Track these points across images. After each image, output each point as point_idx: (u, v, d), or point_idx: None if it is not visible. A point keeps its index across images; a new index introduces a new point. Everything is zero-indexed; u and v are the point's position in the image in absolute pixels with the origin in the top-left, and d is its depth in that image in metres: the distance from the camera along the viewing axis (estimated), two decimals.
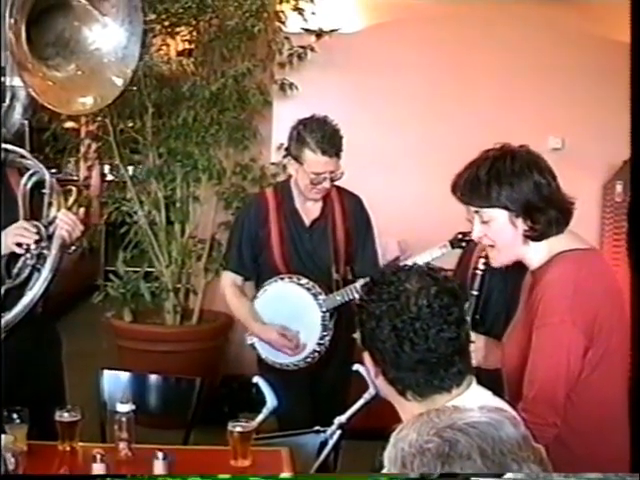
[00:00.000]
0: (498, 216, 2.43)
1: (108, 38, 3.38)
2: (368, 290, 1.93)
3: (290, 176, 3.76)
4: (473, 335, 2.97)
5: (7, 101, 3.26)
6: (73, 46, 3.35)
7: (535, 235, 2.44)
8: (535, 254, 2.48)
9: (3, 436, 2.63)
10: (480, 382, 2.01)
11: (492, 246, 2.52)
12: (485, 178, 2.41)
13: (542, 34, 5.70)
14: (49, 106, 3.42)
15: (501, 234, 2.46)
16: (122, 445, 2.88)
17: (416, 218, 5.63)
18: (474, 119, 5.68)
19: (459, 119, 5.77)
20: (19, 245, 3.15)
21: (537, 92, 5.74)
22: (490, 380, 2.65)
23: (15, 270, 3.21)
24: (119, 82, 3.48)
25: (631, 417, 2.28)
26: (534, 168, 2.43)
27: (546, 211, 2.41)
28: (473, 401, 1.69)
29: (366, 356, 1.95)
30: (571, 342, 2.35)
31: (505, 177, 2.40)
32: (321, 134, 3.52)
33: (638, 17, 2.30)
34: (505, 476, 1.33)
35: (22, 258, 3.19)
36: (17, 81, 3.21)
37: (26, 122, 3.29)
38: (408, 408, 1.85)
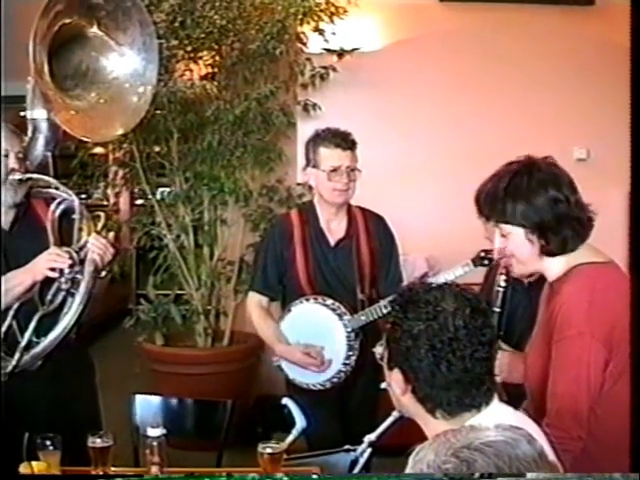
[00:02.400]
0: (516, 232, 2.45)
1: (126, 66, 3.45)
2: (403, 308, 1.93)
3: (314, 195, 3.81)
4: (498, 351, 3.00)
5: (30, 134, 3.32)
6: (92, 76, 3.42)
7: (550, 252, 2.46)
8: (553, 266, 2.50)
9: (35, 463, 2.67)
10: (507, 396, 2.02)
11: (511, 258, 2.54)
12: (502, 194, 2.43)
13: (566, 44, 5.70)
14: (75, 135, 3.48)
15: (519, 248, 2.49)
16: (154, 469, 2.88)
17: (443, 234, 5.64)
18: (498, 132, 5.70)
19: (483, 132, 5.78)
20: (53, 270, 3.20)
21: (561, 103, 5.73)
22: (516, 395, 2.67)
23: (49, 296, 3.27)
24: (140, 108, 3.54)
25: (631, 417, 2.27)
26: (552, 184, 2.44)
27: (560, 231, 2.44)
28: (495, 417, 1.70)
29: (393, 373, 1.96)
30: (590, 354, 2.36)
31: (521, 194, 2.41)
32: (333, 133, 3.64)
33: (638, 17, 2.30)
34: (527, 476, 1.35)
35: (56, 283, 3.25)
36: (38, 114, 3.28)
37: (49, 154, 3.34)
38: (434, 426, 1.86)
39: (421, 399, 1.91)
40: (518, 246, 2.48)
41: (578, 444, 2.33)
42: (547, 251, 2.46)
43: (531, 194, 2.41)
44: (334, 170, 3.60)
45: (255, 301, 3.83)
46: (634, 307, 2.29)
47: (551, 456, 1.44)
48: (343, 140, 3.62)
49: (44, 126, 3.32)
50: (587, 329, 2.35)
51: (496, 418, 1.63)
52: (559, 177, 2.47)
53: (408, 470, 1.43)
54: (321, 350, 3.67)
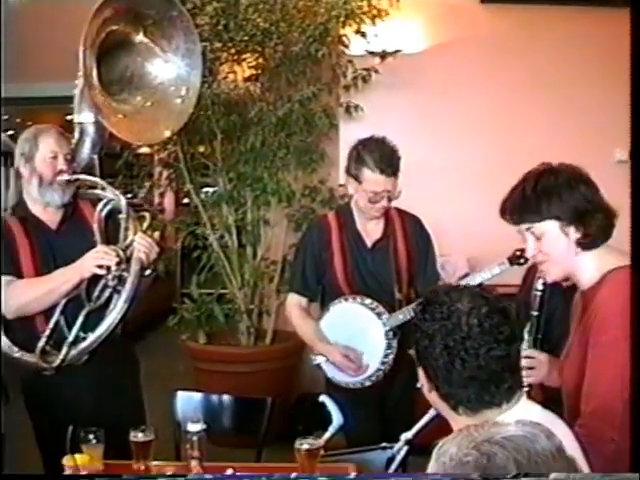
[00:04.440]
0: (550, 228, 2.46)
1: (170, 72, 3.54)
2: (421, 309, 2.00)
3: (351, 198, 3.83)
4: (535, 352, 3.03)
5: (77, 136, 3.42)
6: (137, 81, 3.51)
7: (587, 242, 2.47)
8: (586, 272, 2.51)
9: (78, 456, 2.75)
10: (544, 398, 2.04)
11: (545, 261, 2.55)
12: (532, 194, 2.45)
13: (608, 46, 5.68)
14: (122, 138, 3.58)
15: (555, 246, 2.49)
16: (194, 463, 2.95)
17: (483, 234, 5.62)
18: (538, 133, 5.70)
19: (523, 134, 5.79)
20: (100, 267, 3.30)
21: (602, 104, 5.72)
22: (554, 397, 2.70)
23: (96, 293, 3.37)
24: (185, 111, 3.62)
25: (631, 417, 2.28)
26: (579, 180, 2.46)
27: (596, 216, 2.45)
28: (522, 415, 1.74)
29: (420, 372, 2.02)
30: (626, 358, 2.37)
31: (552, 190, 2.44)
32: (379, 154, 3.59)
33: (638, 17, 2.32)
34: (551, 476, 1.39)
35: (102, 281, 3.34)
36: (85, 117, 3.37)
37: (95, 157, 3.43)
38: (460, 422, 1.91)
39: (444, 396, 1.97)
40: (553, 243, 2.48)
41: (611, 446, 2.34)
42: (584, 242, 2.47)
43: (562, 189, 2.43)
44: (375, 193, 3.62)
45: (294, 302, 3.88)
46: (634, 307, 2.31)
47: (571, 452, 1.47)
48: (389, 166, 3.59)
49: (91, 129, 3.42)
50: (622, 334, 2.36)
51: (522, 416, 1.67)
52: (582, 175, 2.50)
53: (432, 463, 1.48)
54: (360, 355, 3.71)
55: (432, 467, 1.49)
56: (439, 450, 1.49)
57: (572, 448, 1.69)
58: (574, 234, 2.47)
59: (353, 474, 2.85)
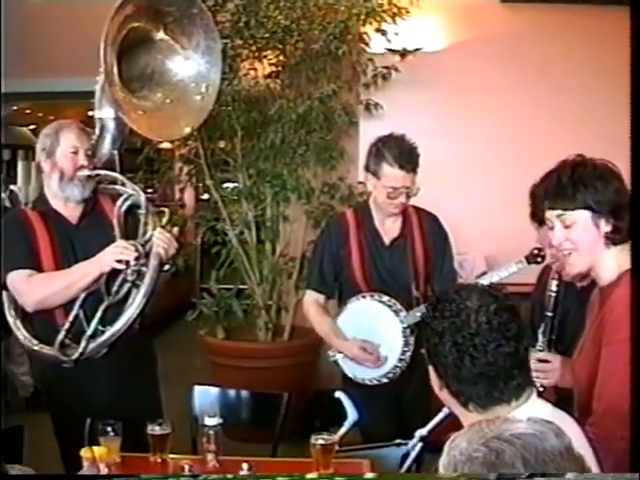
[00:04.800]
0: (582, 218, 2.47)
1: (190, 69, 3.56)
2: (432, 308, 2.03)
3: (369, 195, 3.86)
4: (550, 355, 3.05)
5: (97, 132, 3.45)
6: (158, 78, 3.53)
7: (616, 237, 2.47)
8: (607, 268, 2.52)
9: (95, 448, 2.78)
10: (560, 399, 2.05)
11: (570, 253, 2.54)
12: (570, 181, 2.45)
13: (620, 44, 5.67)
14: (142, 134, 3.60)
15: (584, 236, 2.49)
16: (210, 457, 2.99)
17: (502, 233, 5.64)
18: (555, 132, 5.70)
19: (541, 132, 5.79)
20: (119, 262, 3.33)
21: (621, 102, 5.70)
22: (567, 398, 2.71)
23: (115, 287, 3.40)
24: (204, 108, 3.65)
25: (631, 416, 2.29)
26: (614, 175, 2.47)
27: (627, 211, 2.46)
28: (532, 413, 1.75)
29: (431, 371, 2.05)
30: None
31: (590, 180, 2.44)
32: (399, 150, 3.61)
33: (638, 17, 2.32)
34: (566, 476, 1.41)
35: (122, 275, 3.37)
36: (106, 113, 3.40)
37: (116, 152, 3.46)
38: (471, 419, 1.93)
39: (454, 393, 1.99)
40: (583, 233, 2.48)
41: (621, 444, 2.35)
42: (614, 237, 2.47)
43: (599, 181, 2.44)
44: (394, 189, 3.64)
45: (312, 299, 3.90)
46: (634, 307, 2.31)
47: (580, 451, 1.49)
48: (408, 162, 3.61)
49: (111, 125, 3.44)
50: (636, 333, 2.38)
51: (533, 414, 1.68)
52: (616, 171, 2.50)
53: (443, 455, 1.51)
54: (377, 347, 3.72)
55: (443, 460, 1.51)
56: (451, 443, 1.51)
57: (582, 447, 1.70)
58: (605, 227, 2.47)
59: (370, 475, 2.88)
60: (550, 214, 2.53)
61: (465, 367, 1.93)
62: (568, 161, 2.52)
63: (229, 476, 2.75)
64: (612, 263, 2.51)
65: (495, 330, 1.92)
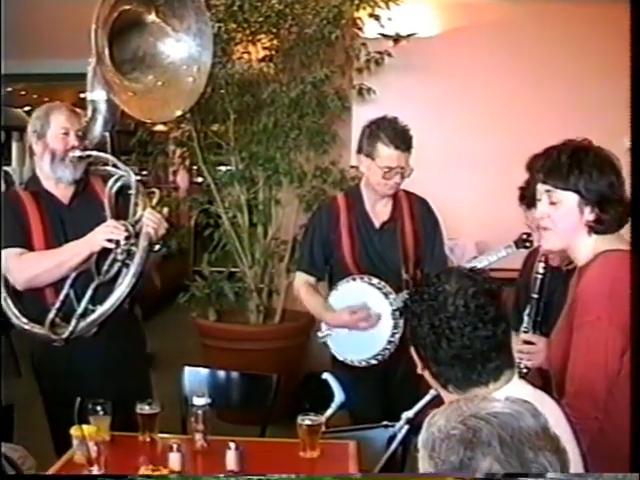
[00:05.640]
0: (568, 199, 2.48)
1: (181, 51, 3.57)
2: (413, 291, 2.07)
3: (360, 180, 3.88)
4: (535, 337, 3.08)
5: (89, 114, 3.46)
6: (149, 60, 3.54)
7: (600, 227, 2.49)
8: (582, 251, 2.54)
9: (85, 426, 2.81)
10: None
11: (549, 229, 2.56)
12: (567, 161, 2.46)
13: (615, 34, 5.68)
14: (133, 115, 3.62)
15: (565, 218, 2.51)
16: (198, 436, 3.03)
17: (492, 219, 5.66)
18: (548, 120, 5.71)
19: (534, 120, 5.80)
20: (109, 241, 3.35)
21: (615, 93, 5.71)
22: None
23: (105, 267, 3.42)
24: (195, 90, 3.66)
25: (631, 416, 2.32)
26: (613, 167, 2.49)
27: (615, 206, 2.48)
28: (511, 394, 1.78)
29: (413, 352, 2.08)
30: (608, 339, 2.40)
31: (587, 166, 2.45)
32: (393, 131, 3.65)
33: (638, 17, 2.33)
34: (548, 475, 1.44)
35: (112, 255, 3.39)
36: (98, 95, 3.41)
37: (107, 134, 3.47)
38: (450, 400, 1.96)
39: (434, 375, 2.03)
40: (566, 214, 2.50)
41: (595, 424, 2.39)
42: (596, 227, 2.49)
43: (595, 169, 2.45)
44: (390, 169, 3.66)
45: (302, 281, 3.92)
46: (634, 307, 2.34)
47: (559, 430, 1.52)
48: (403, 142, 3.64)
49: (103, 107, 3.45)
50: (606, 315, 2.40)
51: (514, 395, 1.71)
52: (616, 164, 2.52)
53: (422, 432, 1.54)
54: (366, 307, 3.72)
55: (422, 436, 1.54)
56: (430, 420, 1.55)
57: (560, 427, 1.73)
58: (588, 215, 2.49)
59: (359, 475, 2.91)
60: (540, 187, 2.54)
61: (442, 349, 1.96)
62: (572, 142, 2.54)
63: (221, 476, 2.79)
64: (588, 249, 2.53)
65: (472, 313, 1.95)
